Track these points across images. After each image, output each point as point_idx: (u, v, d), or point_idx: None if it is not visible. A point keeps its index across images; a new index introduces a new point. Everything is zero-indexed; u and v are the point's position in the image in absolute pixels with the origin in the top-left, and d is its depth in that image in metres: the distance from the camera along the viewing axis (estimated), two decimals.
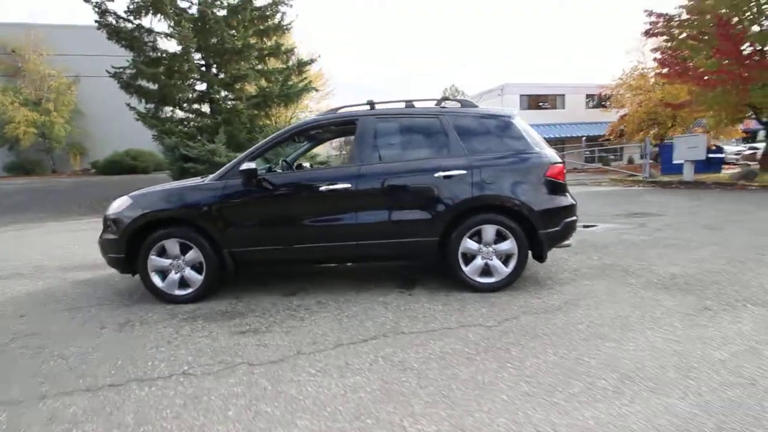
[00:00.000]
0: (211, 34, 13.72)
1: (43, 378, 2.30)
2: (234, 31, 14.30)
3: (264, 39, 15.36)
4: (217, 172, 3.51)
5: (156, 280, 3.42)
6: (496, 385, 2.03)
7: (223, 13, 14.16)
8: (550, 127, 29.24)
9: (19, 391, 2.17)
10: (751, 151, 22.14)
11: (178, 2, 13.47)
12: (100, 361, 2.46)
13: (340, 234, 3.35)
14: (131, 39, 13.40)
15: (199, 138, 13.55)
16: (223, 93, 15.00)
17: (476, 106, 3.68)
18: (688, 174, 13.50)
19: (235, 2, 14.16)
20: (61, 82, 22.26)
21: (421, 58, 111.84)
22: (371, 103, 3.67)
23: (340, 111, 3.66)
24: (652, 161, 16.23)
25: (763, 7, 12.86)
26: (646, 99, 23.66)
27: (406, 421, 1.78)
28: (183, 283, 3.43)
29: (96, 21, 13.28)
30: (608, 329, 2.63)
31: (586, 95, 32.93)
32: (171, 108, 14.93)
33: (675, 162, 15.05)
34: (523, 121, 3.64)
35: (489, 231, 3.34)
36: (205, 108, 15.30)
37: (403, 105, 3.68)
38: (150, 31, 13.77)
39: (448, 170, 3.31)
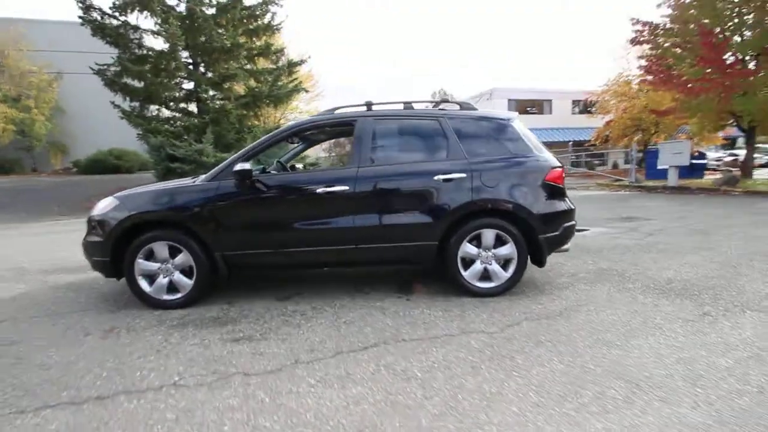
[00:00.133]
0: (200, 33, 13.51)
1: (22, 390, 2.15)
2: (223, 29, 14.11)
3: (253, 38, 15.19)
4: (209, 173, 3.39)
5: (143, 284, 3.27)
6: (504, 395, 1.97)
7: (211, 11, 13.96)
8: (538, 131, 29.44)
9: None
10: (732, 158, 22.73)
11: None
12: (84, 371, 2.32)
13: (338, 238, 3.26)
14: (116, 36, 13.10)
15: (185, 137, 13.29)
16: (211, 92, 14.76)
17: (475, 109, 3.64)
18: (673, 179, 13.76)
19: (225, 1, 13.97)
20: (42, 79, 21.65)
21: (423, 58, 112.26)
22: (369, 104, 3.60)
23: (337, 111, 3.57)
24: (636, 166, 16.49)
25: (745, 17, 13.23)
26: (631, 105, 24.15)
27: None
28: (172, 287, 3.29)
29: (80, 17, 12.94)
30: (611, 336, 2.60)
31: (573, 101, 33.47)
32: (157, 107, 14.65)
33: (659, 167, 15.35)
34: (522, 125, 3.60)
35: (488, 235, 3.29)
36: (193, 107, 15.04)
37: (401, 106, 3.61)
38: (136, 28, 13.49)
39: (448, 173, 3.25)
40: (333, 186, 3.21)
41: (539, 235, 3.28)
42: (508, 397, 1.96)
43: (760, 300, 3.16)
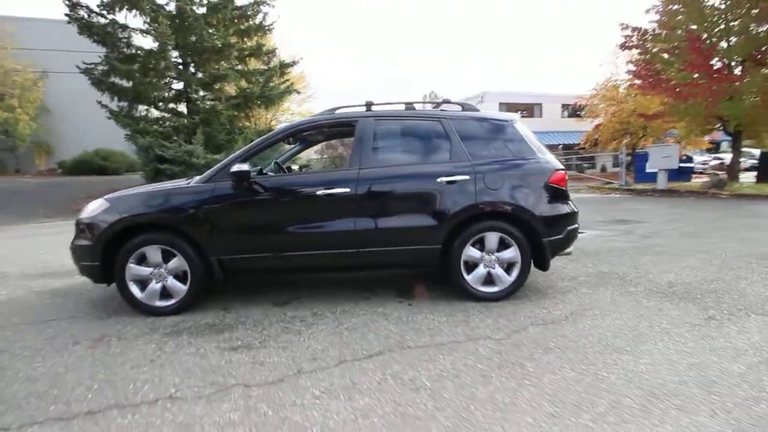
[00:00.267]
0: (190, 32, 13.30)
1: (5, 405, 2.01)
2: (213, 29, 13.91)
3: (245, 39, 15.02)
4: (205, 174, 3.27)
5: (135, 290, 3.14)
6: (517, 405, 1.90)
7: (202, 10, 13.76)
8: None
9: None
10: (718, 161, 23.14)
11: None
12: (73, 383, 2.19)
13: (338, 241, 3.16)
14: (104, 34, 12.83)
15: (175, 138, 13.06)
16: (202, 93, 14.54)
17: (477, 110, 3.58)
18: (662, 182, 13.94)
19: (216, 0, 13.77)
20: (26, 78, 21.09)
21: (422, 57, 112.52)
22: (369, 104, 3.52)
23: (337, 111, 3.48)
24: (625, 170, 16.70)
25: (731, 24, 13.49)
26: (619, 110, 24.48)
27: None
28: (165, 293, 3.17)
29: (66, 15, 12.65)
30: (620, 341, 2.55)
31: (563, 105, 33.83)
32: (145, 107, 14.38)
33: (648, 171, 15.56)
34: (524, 126, 3.56)
35: (492, 238, 3.23)
36: (182, 108, 14.80)
37: (402, 107, 3.54)
38: (124, 26, 13.23)
39: (451, 175, 3.19)
40: (333, 188, 3.13)
41: (543, 238, 3.24)
42: (521, 407, 1.89)
43: (763, 303, 3.15)
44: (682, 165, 15.39)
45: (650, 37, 14.92)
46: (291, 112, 22.67)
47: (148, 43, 13.63)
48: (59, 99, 22.02)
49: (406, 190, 3.24)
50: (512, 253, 3.25)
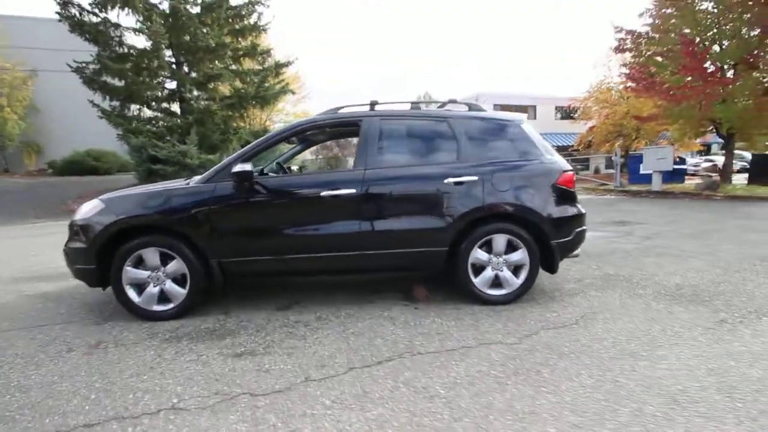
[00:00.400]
0: (184, 31, 13.16)
1: None
2: (208, 29, 13.76)
3: (239, 39, 14.90)
4: (205, 174, 3.17)
5: (131, 294, 3.03)
6: (538, 414, 1.83)
7: (196, 10, 13.62)
8: None
9: None
10: (710, 163, 23.38)
11: None
12: (69, 393, 2.08)
13: (343, 243, 3.08)
14: (96, 33, 12.63)
15: (168, 138, 12.89)
16: (196, 92, 14.38)
17: (484, 110, 3.52)
18: (657, 184, 14.02)
19: (210, 0, 13.63)
20: (15, 76, 20.75)
21: (416, 57, 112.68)
22: (373, 104, 3.44)
23: (341, 111, 3.39)
24: (620, 172, 16.80)
25: (723, 27, 13.63)
26: (612, 112, 24.66)
27: None
28: (163, 297, 3.06)
29: (57, 13, 12.42)
30: (635, 346, 2.49)
31: (556, 107, 34.03)
32: (138, 106, 14.17)
33: (643, 172, 15.67)
34: (531, 127, 3.51)
35: (500, 241, 3.17)
36: (176, 107, 14.63)
37: (407, 107, 3.47)
38: (117, 25, 13.03)
39: (459, 176, 3.12)
40: (338, 189, 3.04)
41: (552, 240, 3.18)
42: (542, 416, 1.81)
43: None
44: (675, 167, 15.51)
45: (644, 41, 15.03)
46: (286, 113, 22.54)
47: (141, 42, 13.46)
48: (49, 98, 21.69)
49: (412, 192, 3.16)
50: (520, 255, 3.19)
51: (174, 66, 13.93)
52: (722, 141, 15.67)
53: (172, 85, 14.30)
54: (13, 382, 2.22)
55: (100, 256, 2.99)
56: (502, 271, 3.21)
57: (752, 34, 12.91)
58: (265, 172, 3.64)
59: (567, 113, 31.63)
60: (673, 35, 14.05)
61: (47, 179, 18.74)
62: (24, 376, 2.28)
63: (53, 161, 21.20)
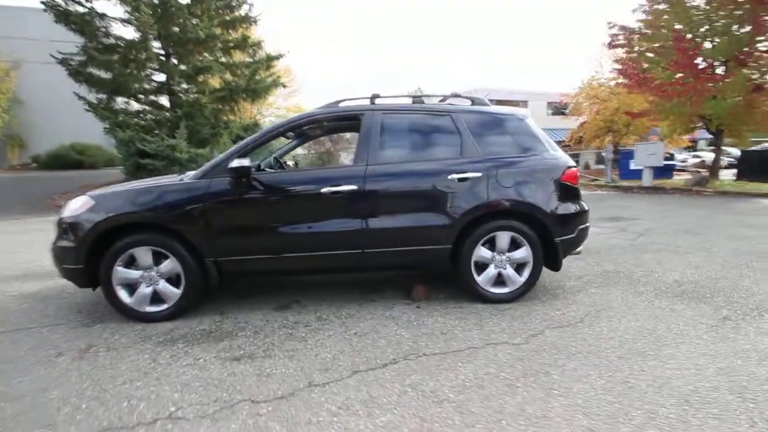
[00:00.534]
0: (173, 22, 12.82)
1: None
2: (197, 20, 13.43)
3: (230, 30, 14.56)
4: (200, 170, 3.05)
5: (122, 295, 2.91)
6: (551, 419, 1.77)
7: (186, 0, 13.26)
8: None
9: None
10: (698, 159, 23.68)
11: None
12: (59, 402, 1.97)
13: (343, 241, 2.99)
14: (82, 23, 12.23)
15: (157, 132, 12.59)
16: (185, 85, 14.05)
17: (487, 104, 3.45)
18: (648, 179, 14.15)
19: None
20: None
21: (411, 52, 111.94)
22: (374, 97, 3.34)
23: (341, 104, 3.29)
24: (612, 167, 16.92)
25: (714, 24, 13.72)
26: (603, 108, 24.80)
27: None
28: (156, 297, 2.94)
29: (42, 2, 12.00)
30: (642, 345, 2.46)
31: (548, 102, 34.18)
32: (125, 99, 13.80)
33: (633, 168, 15.81)
34: (534, 122, 3.45)
35: (503, 238, 3.11)
36: (164, 100, 14.29)
37: (408, 101, 3.38)
38: (104, 15, 12.64)
39: (463, 172, 3.05)
40: (339, 185, 2.95)
41: (556, 237, 3.13)
42: (555, 420, 1.77)
43: None
44: (665, 163, 15.67)
45: (637, 37, 15.08)
46: (277, 107, 22.25)
47: (128, 33, 13.08)
48: (33, 90, 21.10)
49: (416, 188, 3.08)
50: (524, 252, 3.14)
51: (162, 58, 13.56)
52: (709, 137, 15.86)
53: (160, 77, 13.94)
54: None
55: (89, 255, 2.86)
56: (505, 269, 3.15)
57: (743, 31, 13.02)
58: (261, 167, 3.52)
59: (558, 109, 31.77)
60: (665, 31, 14.11)
61: (31, 174, 18.27)
62: (9, 384, 2.16)
63: (37, 155, 20.67)
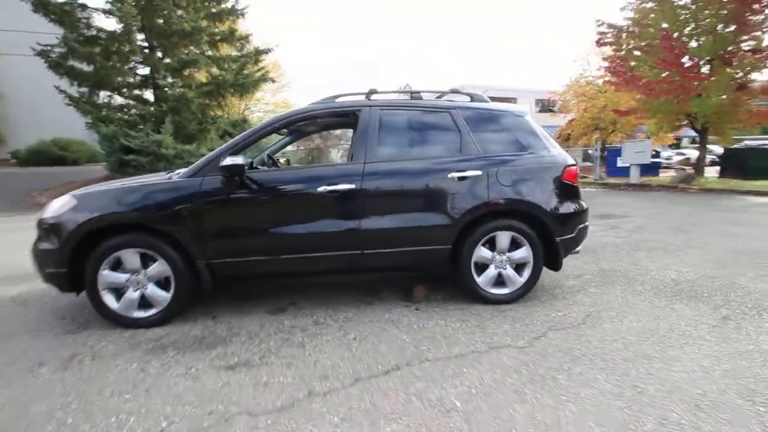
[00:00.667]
0: (157, 14, 12.48)
1: None
2: (183, 11, 13.09)
3: (216, 23, 14.23)
4: (190, 168, 2.91)
5: (109, 299, 2.77)
6: (563, 427, 1.72)
7: None
8: None
9: None
10: (682, 157, 24.10)
11: None
12: (43, 417, 1.84)
13: (341, 242, 2.89)
14: (61, 13, 11.81)
15: (141, 127, 12.26)
16: (170, 79, 13.68)
17: (487, 100, 3.38)
18: (635, 177, 14.33)
19: None
20: None
21: (390, 40, 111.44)
22: (371, 92, 3.25)
23: (338, 100, 3.18)
24: (598, 165, 17.11)
25: (700, 23, 13.91)
26: (591, 105, 25.06)
27: None
28: (144, 302, 2.81)
29: None
30: (646, 347, 2.43)
31: (536, 100, 34.40)
32: (108, 93, 13.40)
33: (621, 165, 16.01)
34: (533, 120, 3.39)
35: (503, 238, 3.06)
36: (149, 95, 13.91)
37: (407, 96, 3.29)
38: (84, 6, 12.22)
39: (463, 171, 2.97)
40: (336, 184, 2.84)
41: (556, 237, 3.09)
42: (567, 429, 1.71)
43: None
44: (652, 160, 15.88)
45: (625, 35, 15.20)
46: (266, 102, 21.91)
47: (111, 24, 12.68)
48: (12, 83, 20.38)
49: (415, 187, 2.99)
50: (524, 252, 3.09)
51: (147, 51, 13.18)
52: (692, 135, 16.10)
53: (144, 71, 13.56)
54: None
55: (72, 258, 2.72)
56: (505, 269, 3.10)
57: (727, 30, 13.22)
58: (254, 164, 3.39)
59: (546, 106, 31.99)
60: (652, 30, 14.25)
61: (10, 170, 17.66)
62: None
63: (17, 151, 19.99)
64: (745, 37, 13.13)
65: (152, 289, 2.80)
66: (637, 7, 14.75)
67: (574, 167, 3.25)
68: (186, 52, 13.49)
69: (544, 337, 2.58)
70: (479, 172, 2.98)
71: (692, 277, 3.77)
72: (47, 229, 2.78)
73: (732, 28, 13.09)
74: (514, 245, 3.10)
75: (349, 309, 3.08)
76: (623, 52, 15.50)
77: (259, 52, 14.67)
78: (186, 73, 13.77)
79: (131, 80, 13.35)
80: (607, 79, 18.34)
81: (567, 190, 3.18)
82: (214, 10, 13.99)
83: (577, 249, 3.38)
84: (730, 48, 13.23)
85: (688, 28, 13.98)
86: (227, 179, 2.77)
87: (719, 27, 13.40)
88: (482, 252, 3.05)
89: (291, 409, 1.86)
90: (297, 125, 3.49)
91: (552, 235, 3.08)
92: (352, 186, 2.85)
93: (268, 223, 2.87)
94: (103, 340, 2.63)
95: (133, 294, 2.78)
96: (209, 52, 14.12)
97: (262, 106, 21.90)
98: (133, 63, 13.13)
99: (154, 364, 2.31)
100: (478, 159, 3.03)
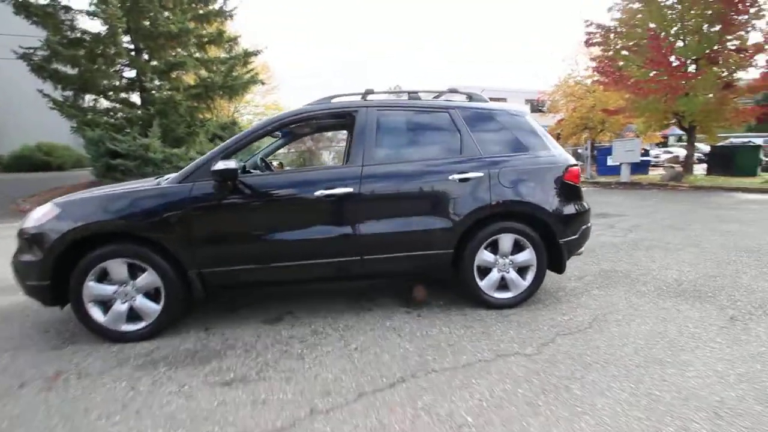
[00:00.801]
0: (143, 15, 12.22)
1: None
2: (169, 13, 12.86)
3: (204, 24, 14.02)
4: (180, 173, 2.78)
5: (95, 313, 2.63)
6: None
7: None
8: None
9: None
10: (670, 155, 24.39)
11: None
12: None
13: (340, 248, 2.78)
14: (44, 15, 11.52)
15: (128, 131, 12.00)
16: (157, 82, 13.43)
17: (486, 100, 3.30)
18: (626, 175, 14.44)
19: None
20: None
21: (378, 41, 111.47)
22: (367, 93, 3.15)
23: (334, 100, 3.08)
24: (588, 164, 17.22)
25: (686, 23, 14.08)
26: (580, 105, 25.28)
27: None
28: (133, 315, 2.67)
29: None
30: (657, 351, 2.36)
31: (526, 100, 34.61)
32: (94, 96, 13.10)
33: (610, 164, 16.14)
34: (534, 119, 3.32)
35: (506, 240, 2.98)
36: (136, 98, 13.63)
37: (405, 96, 3.20)
38: (68, 8, 11.94)
39: (464, 172, 2.89)
40: (334, 188, 2.74)
41: (560, 239, 3.01)
42: None
43: None
44: (641, 158, 16.03)
45: (613, 35, 15.33)
46: (255, 104, 21.68)
47: (95, 26, 12.42)
48: None
49: (415, 189, 2.90)
50: (527, 255, 3.01)
51: (133, 53, 12.93)
52: (680, 133, 16.30)
53: (131, 73, 13.29)
54: None
55: (56, 270, 2.57)
56: (508, 272, 3.02)
57: (713, 30, 13.40)
58: (247, 168, 3.27)
59: (536, 106, 32.19)
60: (640, 30, 14.39)
61: None
62: None
63: None
64: (729, 37, 13.31)
65: (141, 301, 2.66)
66: (625, 8, 14.89)
67: (576, 167, 3.19)
68: (173, 54, 13.26)
69: (552, 342, 2.50)
70: (480, 174, 2.90)
71: (694, 276, 3.73)
72: (28, 240, 2.62)
73: (717, 27, 13.25)
74: (517, 248, 3.02)
75: (348, 317, 2.97)
76: (611, 52, 15.62)
77: (248, 54, 14.48)
78: (173, 75, 13.54)
79: (117, 83, 13.07)
80: (595, 78, 18.48)
81: (569, 190, 3.12)
82: (201, 11, 13.79)
83: (580, 250, 3.31)
84: (715, 47, 13.40)
85: (675, 28, 14.15)
86: (219, 184, 2.64)
87: (705, 27, 13.58)
88: (485, 255, 2.97)
89: (292, 429, 1.75)
90: (291, 127, 3.37)
91: (555, 237, 3.01)
92: (350, 189, 2.74)
93: (263, 229, 2.75)
94: (89, 356, 2.49)
95: (120, 306, 2.64)
96: (197, 54, 13.89)
97: (252, 109, 21.68)
98: (118, 65, 12.86)
99: (144, 381, 2.18)
100: (478, 160, 2.95)
